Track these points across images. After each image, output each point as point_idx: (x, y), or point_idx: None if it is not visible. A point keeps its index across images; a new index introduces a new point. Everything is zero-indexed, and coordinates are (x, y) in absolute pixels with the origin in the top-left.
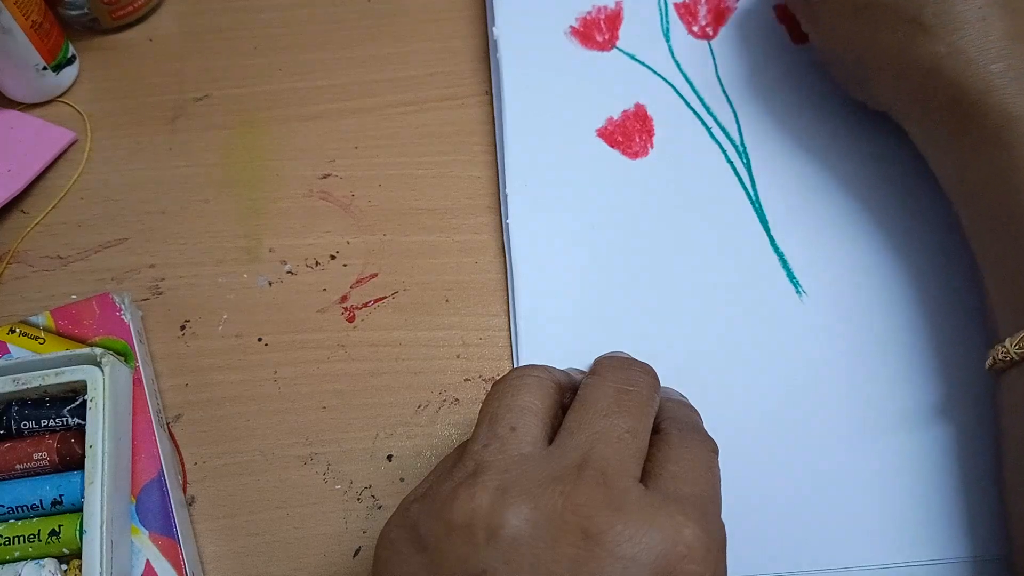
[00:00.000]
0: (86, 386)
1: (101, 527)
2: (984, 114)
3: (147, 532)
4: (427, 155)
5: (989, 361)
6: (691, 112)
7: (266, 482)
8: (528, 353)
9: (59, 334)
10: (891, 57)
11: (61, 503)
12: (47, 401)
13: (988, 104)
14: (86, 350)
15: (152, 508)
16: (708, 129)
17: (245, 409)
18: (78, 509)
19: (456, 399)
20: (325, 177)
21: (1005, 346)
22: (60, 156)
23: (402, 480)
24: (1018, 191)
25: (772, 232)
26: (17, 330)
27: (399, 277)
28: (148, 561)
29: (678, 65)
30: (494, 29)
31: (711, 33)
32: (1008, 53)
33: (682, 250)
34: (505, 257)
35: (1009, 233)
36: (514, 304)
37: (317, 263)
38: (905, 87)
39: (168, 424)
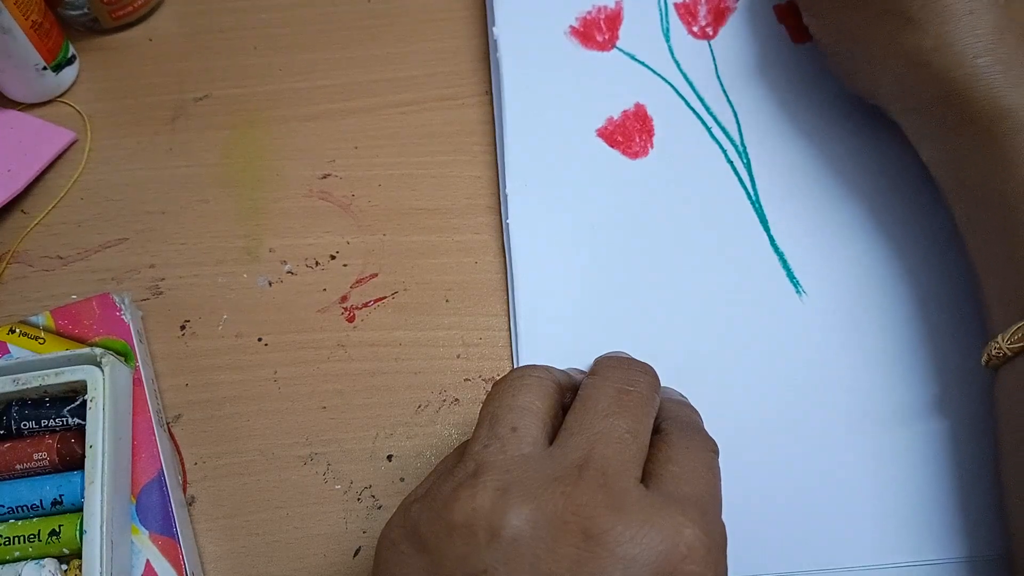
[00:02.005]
0: (86, 386)
1: (101, 527)
2: (974, 108)
3: (147, 532)
4: (427, 155)
5: (984, 357)
6: (691, 112)
7: (266, 482)
8: (528, 353)
9: (59, 334)
10: (881, 49)
11: (61, 503)
12: (47, 401)
13: (977, 98)
14: (86, 350)
15: (152, 508)
16: (708, 129)
17: (245, 409)
18: (78, 509)
19: (456, 399)
20: (325, 177)
21: (998, 341)
22: (60, 156)
23: (402, 480)
24: (1010, 184)
25: (772, 232)
26: (17, 330)
27: (399, 277)
28: (148, 561)
29: (678, 65)
30: (494, 29)
31: (711, 33)
32: (995, 47)
33: (682, 250)
34: (505, 257)
35: (1002, 227)
36: (514, 304)
37: (317, 263)
38: (896, 80)
39: (168, 424)
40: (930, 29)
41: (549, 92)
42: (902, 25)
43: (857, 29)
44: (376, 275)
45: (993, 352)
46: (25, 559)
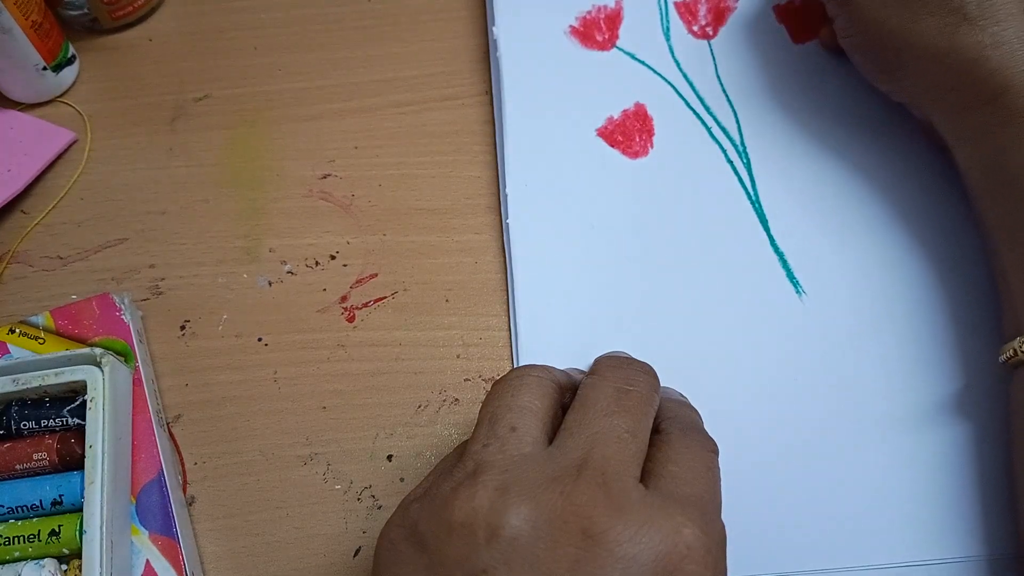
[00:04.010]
0: (86, 386)
1: (101, 527)
2: None
3: (147, 532)
4: (427, 155)
5: (1007, 354)
6: (691, 112)
7: (266, 482)
8: (528, 353)
9: (59, 334)
10: (932, 46)
11: (61, 503)
12: (47, 401)
13: None
14: (86, 350)
15: (152, 508)
16: (708, 129)
17: (245, 409)
18: (78, 509)
19: (456, 399)
20: (325, 177)
21: None
22: (60, 156)
23: (402, 480)
24: None
25: (772, 232)
26: (17, 330)
27: (399, 277)
28: (148, 561)
29: (678, 65)
30: (494, 29)
31: (711, 33)
32: None
33: (682, 250)
34: (505, 257)
35: None
36: (514, 304)
37: (317, 263)
38: (944, 77)
39: (168, 424)
40: (987, 27)
41: (549, 92)
42: (958, 23)
43: (905, 26)
44: (376, 275)
45: (1022, 350)
46: (25, 559)
